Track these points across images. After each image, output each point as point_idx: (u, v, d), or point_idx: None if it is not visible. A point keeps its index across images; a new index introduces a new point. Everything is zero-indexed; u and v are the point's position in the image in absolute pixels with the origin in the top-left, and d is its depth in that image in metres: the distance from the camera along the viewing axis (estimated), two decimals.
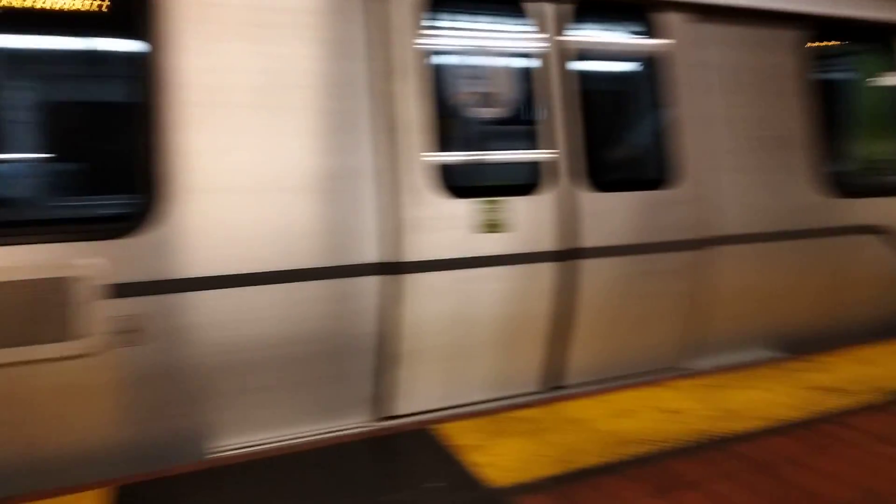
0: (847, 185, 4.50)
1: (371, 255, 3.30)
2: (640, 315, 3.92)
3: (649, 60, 3.99)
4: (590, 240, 3.69)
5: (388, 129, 3.32)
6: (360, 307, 3.30)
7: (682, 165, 3.95)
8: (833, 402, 3.20)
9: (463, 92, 3.51)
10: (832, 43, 4.78)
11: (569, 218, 3.66)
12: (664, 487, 2.43)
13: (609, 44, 4.04)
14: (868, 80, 4.99)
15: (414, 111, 3.35)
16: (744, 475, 2.51)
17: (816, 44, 4.52)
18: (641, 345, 4.00)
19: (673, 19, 3.98)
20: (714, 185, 4.06)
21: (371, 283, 3.29)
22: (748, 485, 2.44)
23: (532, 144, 3.65)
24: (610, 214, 3.74)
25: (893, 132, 4.84)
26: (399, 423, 3.25)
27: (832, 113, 5.61)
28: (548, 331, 3.72)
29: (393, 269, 3.29)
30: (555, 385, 3.86)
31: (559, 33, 3.72)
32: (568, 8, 3.73)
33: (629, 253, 3.78)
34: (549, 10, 3.69)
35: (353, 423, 3.44)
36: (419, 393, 3.53)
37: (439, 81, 3.47)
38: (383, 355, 3.41)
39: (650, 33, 3.96)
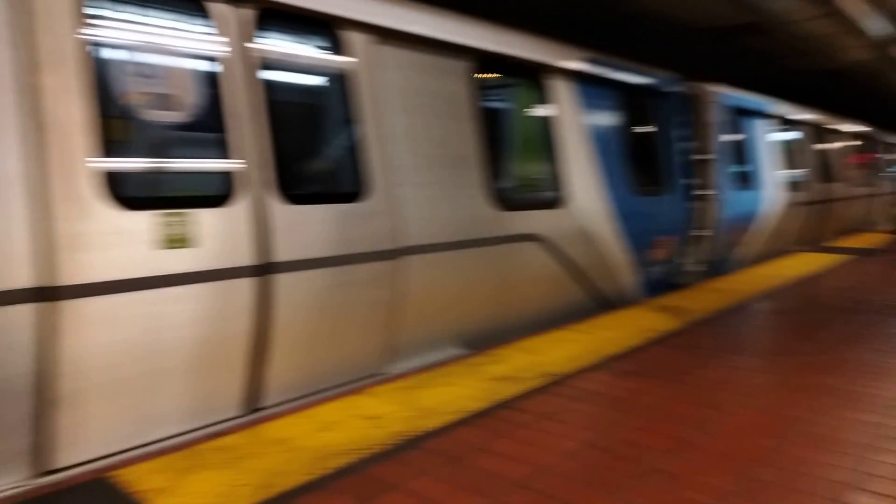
0: (510, 200, 5.11)
1: (23, 279, 2.75)
2: (341, 326, 3.95)
3: (337, 77, 4.04)
4: (284, 253, 3.59)
5: (37, 128, 2.81)
6: (9, 342, 2.73)
7: (371, 179, 4.06)
8: (508, 390, 3.59)
9: (137, 91, 3.14)
10: (495, 75, 5.46)
11: (261, 231, 3.52)
12: (366, 495, 2.46)
13: (298, 56, 4.00)
14: (524, 109, 5.79)
15: (72, 109, 2.89)
16: (438, 469, 2.66)
17: (483, 75, 5.09)
18: (344, 355, 4.03)
19: (356, 39, 4.07)
20: (402, 198, 4.22)
21: (23, 312, 2.75)
22: (441, 477, 2.59)
23: (219, 153, 3.43)
24: (304, 227, 3.69)
25: (543, 155, 5.65)
26: (69, 476, 2.76)
27: (497, 136, 6.53)
28: (245, 350, 3.52)
29: (49, 294, 2.79)
30: (258, 406, 3.68)
31: (246, 40, 3.57)
32: (250, 14, 3.60)
33: (324, 265, 3.77)
34: (231, 13, 3.52)
35: (8, 482, 2.82)
36: (94, 436, 3.05)
37: (107, 78, 3.06)
38: (43, 397, 2.87)
39: (336, 50, 4.01)
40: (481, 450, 2.85)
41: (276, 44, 3.78)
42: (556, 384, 3.70)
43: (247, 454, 2.81)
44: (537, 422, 3.16)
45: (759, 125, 9.51)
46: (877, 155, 15.91)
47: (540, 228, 5.26)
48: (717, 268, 8.23)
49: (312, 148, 4.25)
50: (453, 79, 4.70)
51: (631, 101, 6.65)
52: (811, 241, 11.36)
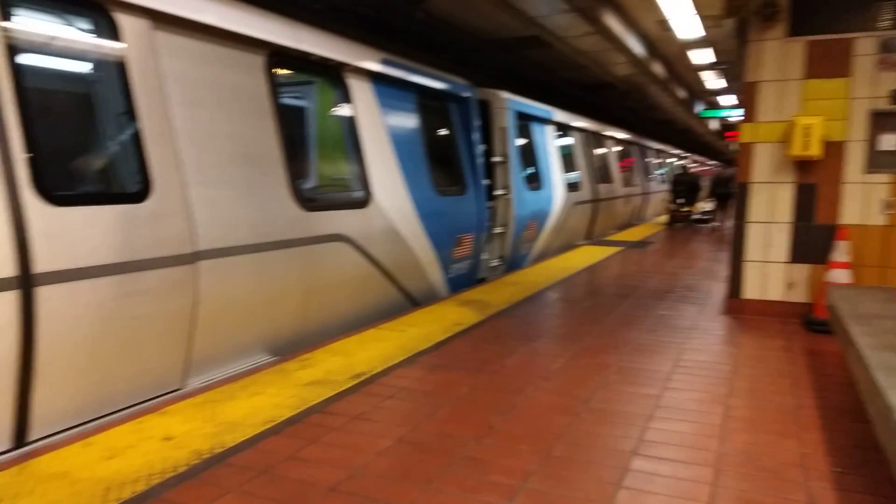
0: (316, 200, 5.00)
1: None
2: (128, 340, 3.56)
3: (110, 64, 3.62)
4: (46, 263, 3.12)
5: None
6: None
7: (157, 178, 3.69)
8: (320, 394, 3.51)
9: None
10: (295, 71, 5.29)
11: (15, 237, 3.02)
12: None
13: (58, 39, 3.48)
14: (325, 107, 5.70)
15: None
16: (245, 484, 2.51)
17: (282, 71, 4.90)
18: (134, 372, 3.65)
19: (132, 23, 3.65)
20: (196, 198, 3.91)
21: None
22: (249, 492, 2.45)
23: None
24: (72, 232, 3.23)
25: (346, 155, 5.60)
26: None
27: (300, 134, 6.37)
28: (6, 374, 3.04)
29: None
30: (31, 439, 3.20)
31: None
32: None
33: (100, 274, 3.36)
34: None
35: None
36: None
37: None
38: None
39: (110, 35, 3.58)
40: (292, 459, 2.74)
41: (32, 25, 3.30)
42: (367, 384, 3.69)
43: (16, 494, 2.43)
44: (349, 424, 3.12)
45: (545, 131, 10.25)
46: (645, 159, 18.12)
47: (346, 228, 5.19)
48: (514, 262, 8.86)
49: (82, 143, 3.76)
50: (250, 73, 4.46)
51: (428, 104, 6.78)
52: (592, 236, 12.62)
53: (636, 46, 10.40)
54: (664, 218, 16.98)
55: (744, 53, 5.39)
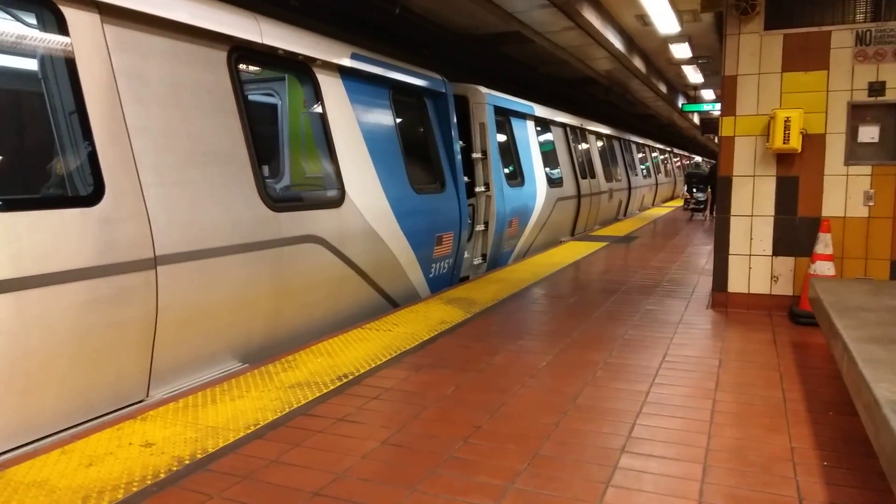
0: (286, 200, 4.84)
1: None
2: (79, 352, 3.30)
3: (56, 59, 3.38)
4: None
5: None
6: None
7: (110, 179, 3.45)
8: (304, 397, 3.46)
9: None
10: (262, 67, 5.13)
11: None
12: None
13: None
14: (295, 104, 5.58)
15: None
16: (226, 491, 2.46)
17: (248, 66, 4.74)
18: (88, 385, 3.41)
19: (79, 16, 3.42)
20: (155, 200, 3.69)
21: None
22: (230, 498, 2.39)
23: None
24: (9, 238, 2.99)
25: (317, 152, 5.43)
26: None
27: (269, 132, 6.17)
28: None
29: None
30: None
31: None
32: None
33: (47, 283, 3.13)
34: None
35: None
36: None
37: None
38: None
39: (55, 28, 3.34)
40: (275, 463, 2.69)
41: None
42: (352, 385, 3.63)
43: None
44: (334, 426, 3.07)
45: (526, 126, 10.13)
46: (629, 154, 18.14)
47: (319, 229, 4.96)
48: (497, 260, 8.75)
49: (27, 144, 3.58)
50: (212, 69, 4.22)
51: (402, 100, 6.61)
52: (578, 231, 12.57)
53: (616, 41, 10.40)
54: (670, 206, 17.17)
55: (722, 47, 5.40)
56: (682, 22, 9.73)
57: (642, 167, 20.27)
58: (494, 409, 3.26)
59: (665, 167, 25.80)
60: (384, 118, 6.19)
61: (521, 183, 9.47)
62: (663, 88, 16.37)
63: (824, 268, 5.04)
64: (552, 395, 3.44)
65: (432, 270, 6.84)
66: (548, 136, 11.26)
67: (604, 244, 10.38)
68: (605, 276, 7.33)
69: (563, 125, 12.14)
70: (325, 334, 4.81)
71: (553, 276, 7.32)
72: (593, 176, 13.69)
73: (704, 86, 17.47)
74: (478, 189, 8.24)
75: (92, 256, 3.33)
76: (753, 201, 5.42)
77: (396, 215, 5.98)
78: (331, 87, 5.41)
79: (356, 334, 4.72)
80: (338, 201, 5.27)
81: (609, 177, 15.15)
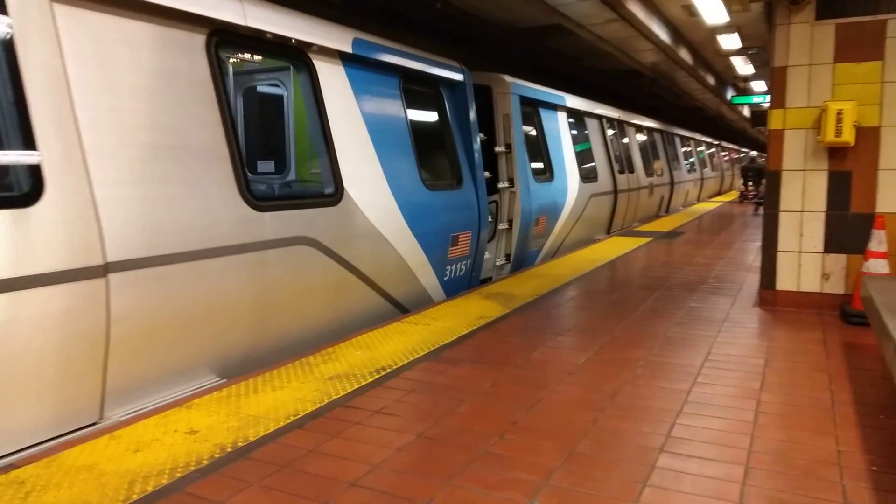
0: (273, 198, 4.47)
1: None
2: (12, 372, 2.96)
3: None
4: None
5: None
6: None
7: (48, 177, 3.08)
8: (343, 388, 3.50)
9: None
10: (248, 53, 4.79)
11: None
12: None
13: None
14: (286, 93, 5.10)
15: None
16: (266, 478, 2.51)
17: (232, 52, 4.38)
18: (24, 410, 3.04)
19: None
20: (110, 199, 3.31)
21: None
22: (270, 486, 2.45)
23: None
24: None
25: (311, 146, 5.02)
26: None
27: (255, 124, 5.66)
28: None
29: None
30: None
31: None
32: None
33: None
34: None
35: None
36: None
37: None
38: None
39: None
40: (313, 453, 2.73)
41: None
42: (390, 378, 3.67)
43: (45, 486, 2.46)
44: (371, 418, 3.10)
45: (557, 118, 9.63)
46: (673, 148, 17.72)
47: (311, 229, 4.53)
48: (522, 260, 8.29)
49: None
50: (187, 54, 3.84)
51: (414, 90, 6.10)
52: (614, 228, 12.23)
53: (661, 33, 10.19)
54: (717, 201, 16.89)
55: (771, 38, 5.23)
56: (730, 12, 9.47)
57: (687, 161, 19.67)
58: (531, 404, 3.25)
59: (711, 161, 24.93)
60: (393, 109, 5.70)
61: (551, 178, 8.99)
62: (711, 80, 15.97)
63: (878, 266, 4.85)
64: (590, 393, 3.41)
65: (447, 273, 6.37)
66: (582, 129, 10.80)
67: (648, 240, 10.21)
68: (649, 272, 7.21)
69: (600, 117, 11.67)
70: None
71: (594, 272, 7.23)
72: (632, 170, 13.14)
73: (754, 77, 16.99)
74: (501, 185, 7.83)
75: (24, 264, 2.96)
76: (804, 196, 5.25)
77: (405, 214, 5.54)
78: (330, 75, 4.95)
79: (395, 328, 4.76)
80: (334, 199, 4.81)
81: (649, 171, 14.62)
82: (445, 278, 6.34)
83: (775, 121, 5.28)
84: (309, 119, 4.95)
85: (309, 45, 4.73)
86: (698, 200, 21.08)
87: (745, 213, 15.23)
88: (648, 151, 14.92)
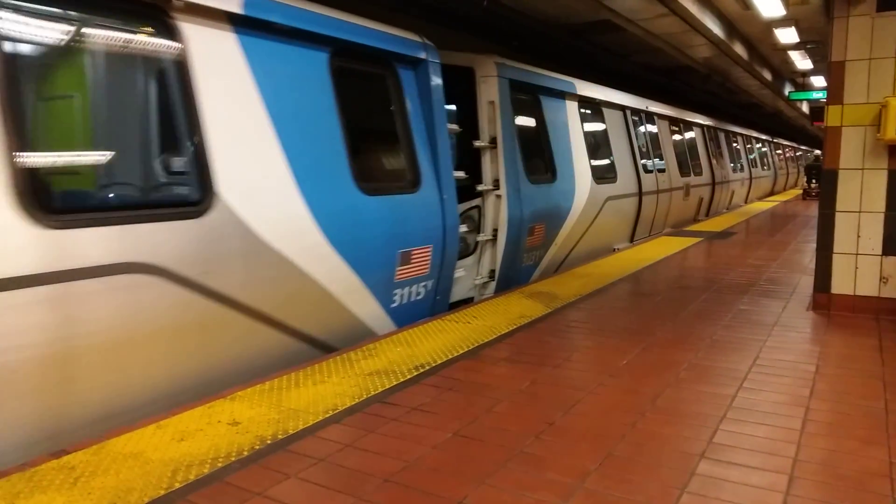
0: (83, 208, 3.23)
1: None
2: None
3: None
4: None
5: None
6: None
7: None
8: (381, 384, 3.54)
9: None
10: (67, 10, 3.23)
11: None
12: None
13: None
14: (125, 63, 3.55)
15: None
16: (302, 471, 2.56)
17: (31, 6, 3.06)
18: None
19: None
20: None
21: None
22: (306, 479, 2.49)
23: None
24: None
25: (167, 139, 3.69)
26: None
27: (59, 105, 3.49)
28: None
29: None
30: None
31: None
32: None
33: None
34: None
35: None
36: None
37: None
38: None
39: None
40: (350, 447, 2.77)
41: None
42: (428, 375, 3.68)
43: (93, 472, 2.56)
44: (408, 415, 3.12)
45: (563, 108, 8.20)
46: (720, 145, 17.09)
47: (153, 252, 3.34)
48: (512, 277, 6.92)
49: None
50: None
51: (352, 68, 4.89)
52: (639, 236, 10.77)
53: (714, 27, 9.92)
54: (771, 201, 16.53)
55: (829, 31, 5.03)
56: (787, 5, 9.15)
57: (735, 159, 18.26)
58: (569, 406, 3.21)
59: (762, 160, 23.39)
60: (315, 91, 4.47)
61: (553, 178, 7.59)
62: (768, 76, 15.48)
63: None
64: (630, 395, 3.35)
65: (396, 299, 5.07)
66: (598, 121, 9.34)
67: (697, 240, 9.97)
68: (697, 273, 7.04)
69: (623, 108, 10.16)
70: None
71: (641, 272, 7.10)
72: (662, 170, 11.56)
73: (814, 72, 16.38)
74: (481, 187, 6.49)
75: None
76: (862, 196, 5.04)
77: (324, 226, 4.31)
78: (208, 42, 3.79)
79: (435, 325, 4.77)
80: (198, 209, 3.60)
81: (686, 170, 13.04)
82: (394, 305, 5.06)
83: (832, 117, 5.08)
84: (165, 100, 3.66)
85: (170, 2, 3.58)
86: (746, 202, 19.78)
87: (802, 213, 14.71)
88: (685, 148, 13.34)
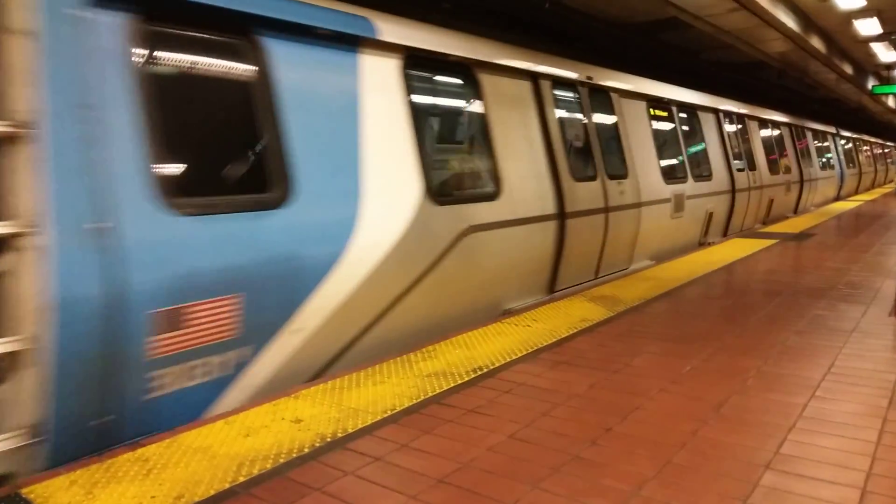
0: None
1: None
2: None
3: None
4: None
5: None
6: None
7: None
8: (439, 386, 3.57)
9: None
10: None
11: None
12: (282, 500, 2.39)
13: None
14: None
15: None
16: (359, 469, 2.61)
17: None
18: None
19: None
20: None
21: None
22: (362, 477, 2.55)
23: None
24: None
25: None
26: None
27: None
28: None
29: None
30: None
31: None
32: None
33: None
34: None
35: None
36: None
37: None
38: None
39: None
40: (406, 448, 2.81)
41: None
42: (486, 378, 3.69)
43: (165, 464, 2.71)
44: (464, 417, 3.14)
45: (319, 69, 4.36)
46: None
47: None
48: (117, 433, 3.19)
49: None
50: None
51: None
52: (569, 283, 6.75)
53: (788, 20, 9.51)
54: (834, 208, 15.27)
55: None
56: None
57: (776, 157, 13.89)
58: (628, 411, 3.15)
59: (829, 160, 19.01)
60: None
61: (283, 200, 3.84)
62: (849, 69, 14.70)
63: None
64: (693, 402, 3.26)
65: (159, 388, 3.20)
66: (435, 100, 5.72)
67: (772, 242, 9.57)
68: (770, 276, 6.76)
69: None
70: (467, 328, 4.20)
71: (709, 275, 6.88)
72: (620, 174, 7.52)
73: None
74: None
75: None
76: None
77: None
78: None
79: (494, 328, 4.77)
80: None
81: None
82: (158, 396, 3.21)
83: None
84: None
85: None
86: (795, 212, 15.47)
87: (890, 213, 13.89)
88: (666, 141, 9.12)
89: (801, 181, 14.83)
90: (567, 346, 4.28)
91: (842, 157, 20.75)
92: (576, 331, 4.65)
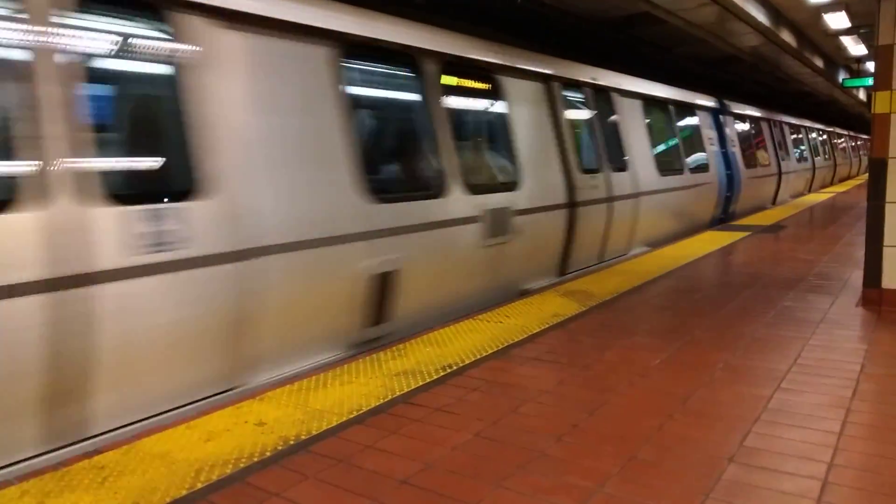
0: None
1: None
2: None
3: None
4: None
5: None
6: None
7: None
8: (408, 385, 3.53)
9: None
10: None
11: None
12: None
13: None
14: None
15: None
16: (322, 472, 2.56)
17: None
18: None
19: None
20: None
21: None
22: (324, 480, 2.50)
23: None
24: None
25: None
26: None
27: None
28: None
29: None
30: None
31: None
32: None
33: None
34: None
35: None
36: None
37: None
38: None
39: None
40: (370, 449, 2.77)
41: None
42: (455, 375, 3.65)
43: (121, 471, 2.63)
44: (431, 416, 3.10)
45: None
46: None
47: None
48: None
49: None
50: None
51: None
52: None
53: (759, 14, 9.58)
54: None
55: (877, 13, 4.79)
56: None
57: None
58: (595, 407, 3.14)
59: (789, 150, 17.40)
60: None
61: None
62: (819, 63, 14.88)
63: None
64: (660, 396, 3.25)
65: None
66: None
67: (745, 234, 9.65)
68: (741, 268, 6.81)
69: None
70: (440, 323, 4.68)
71: (682, 268, 6.91)
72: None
73: (868, 58, 15.66)
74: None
75: None
76: None
77: None
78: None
79: (466, 325, 4.74)
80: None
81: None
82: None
83: (880, 104, 4.84)
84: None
85: None
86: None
87: (860, 204, 14.09)
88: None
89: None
90: (538, 342, 4.26)
91: (754, 148, 18.25)
92: (547, 326, 4.64)
